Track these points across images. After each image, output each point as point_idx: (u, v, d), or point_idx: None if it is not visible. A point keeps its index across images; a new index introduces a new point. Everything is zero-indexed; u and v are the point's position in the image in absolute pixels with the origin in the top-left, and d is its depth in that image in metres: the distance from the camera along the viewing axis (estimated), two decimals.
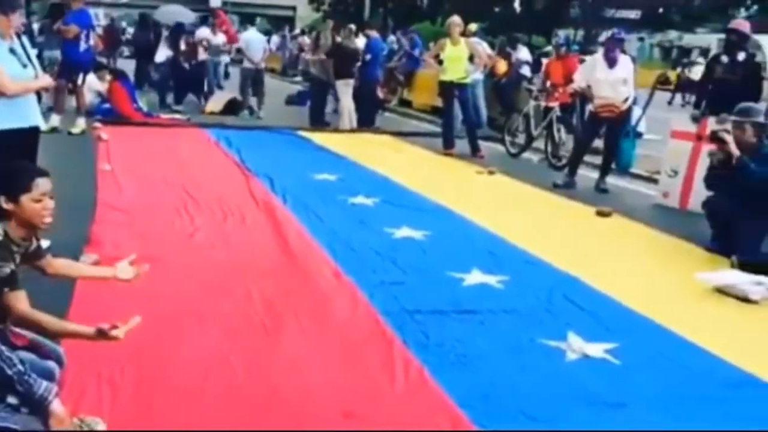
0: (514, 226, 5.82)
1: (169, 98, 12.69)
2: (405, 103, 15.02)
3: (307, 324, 3.63)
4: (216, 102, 12.55)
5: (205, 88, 13.18)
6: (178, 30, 13.23)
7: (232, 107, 12.28)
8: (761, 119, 5.66)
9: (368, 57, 11.45)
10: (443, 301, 4.06)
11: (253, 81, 12.35)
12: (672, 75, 27.67)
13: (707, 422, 2.87)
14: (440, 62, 9.74)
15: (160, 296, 3.69)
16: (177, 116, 11.45)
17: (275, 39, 23.42)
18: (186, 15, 16.49)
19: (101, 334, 2.35)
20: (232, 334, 3.46)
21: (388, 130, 11.42)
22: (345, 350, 3.36)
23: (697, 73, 24.70)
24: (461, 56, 9.41)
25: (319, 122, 11.46)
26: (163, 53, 12.82)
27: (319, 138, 10.01)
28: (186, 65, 12.79)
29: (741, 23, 7.38)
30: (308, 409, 2.82)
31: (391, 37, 18.05)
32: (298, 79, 19.53)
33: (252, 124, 11.31)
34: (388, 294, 4.10)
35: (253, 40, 12.59)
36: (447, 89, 9.61)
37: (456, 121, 9.98)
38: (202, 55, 12.96)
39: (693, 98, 24.95)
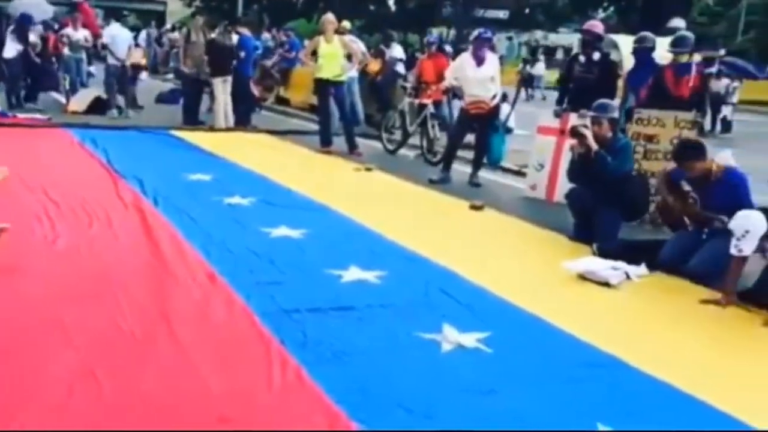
0: (391, 221, 5.91)
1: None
2: (282, 101, 14.89)
3: (179, 329, 3.51)
4: (80, 101, 11.91)
5: (68, 86, 12.47)
6: (23, 22, 12.27)
7: (97, 106, 11.70)
8: (616, 115, 6.05)
9: (242, 54, 11.24)
10: (321, 299, 4.05)
11: (119, 79, 11.81)
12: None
13: (569, 402, 3.03)
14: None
15: (19, 308, 3.48)
16: (37, 116, 10.76)
17: (144, 35, 22.49)
18: (43, 8, 15.49)
19: None
20: (99, 344, 3.29)
21: (264, 128, 11.28)
22: (220, 354, 3.29)
23: (539, 69, 26.28)
24: (336, 54, 9.42)
25: (192, 121, 11.14)
26: (12, 48, 11.91)
27: (192, 137, 9.73)
28: (38, 60, 12.01)
29: (594, 24, 7.82)
30: (181, 417, 2.74)
31: (266, 35, 17.83)
32: (170, 76, 18.89)
33: (120, 123, 10.82)
34: (265, 294, 4.04)
35: (118, 35, 12.03)
36: (323, 87, 9.60)
37: (333, 119, 10.01)
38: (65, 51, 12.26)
39: (534, 92, 26.27)
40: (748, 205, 4.63)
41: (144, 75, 13.95)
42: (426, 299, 4.19)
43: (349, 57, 9.72)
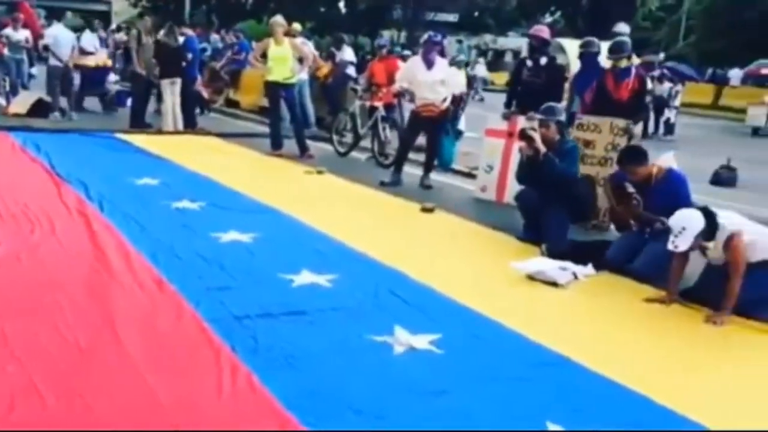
0: (343, 224, 5.90)
1: None
2: (232, 103, 14.71)
3: (126, 338, 3.44)
4: (21, 103, 11.56)
5: (8, 87, 12.10)
6: None
7: (39, 109, 11.38)
8: (563, 118, 6.17)
9: (190, 56, 11.08)
10: (272, 304, 4.02)
11: (61, 80, 11.51)
12: (490, 76, 29.49)
13: (519, 401, 3.08)
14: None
15: None
16: None
17: (88, 35, 21.93)
18: None
19: None
20: (42, 356, 3.20)
21: (214, 131, 11.12)
22: (168, 363, 3.23)
23: (480, 70, 26.74)
24: (286, 56, 9.36)
25: (140, 124, 10.92)
26: None
27: (139, 140, 9.52)
28: None
29: (540, 29, 7.94)
30: (129, 428, 2.68)
31: (215, 36, 17.63)
32: (116, 78, 18.45)
33: (64, 126, 10.53)
34: (214, 300, 3.99)
35: (61, 36, 11.72)
36: (273, 89, 9.53)
37: (284, 122, 9.96)
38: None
39: (477, 95, 26.32)
40: (688, 204, 4.77)
41: (112, 77, 13.57)
42: (377, 302, 4.20)
43: (300, 60, 9.68)
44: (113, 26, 26.82)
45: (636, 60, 7.18)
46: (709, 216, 4.31)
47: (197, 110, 12.23)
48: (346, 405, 2.94)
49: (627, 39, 7.17)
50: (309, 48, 11.03)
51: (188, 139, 10.37)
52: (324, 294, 4.28)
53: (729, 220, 4.37)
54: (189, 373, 3.16)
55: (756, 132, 18.80)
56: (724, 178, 9.55)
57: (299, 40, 10.64)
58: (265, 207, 6.37)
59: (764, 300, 4.50)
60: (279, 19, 9.57)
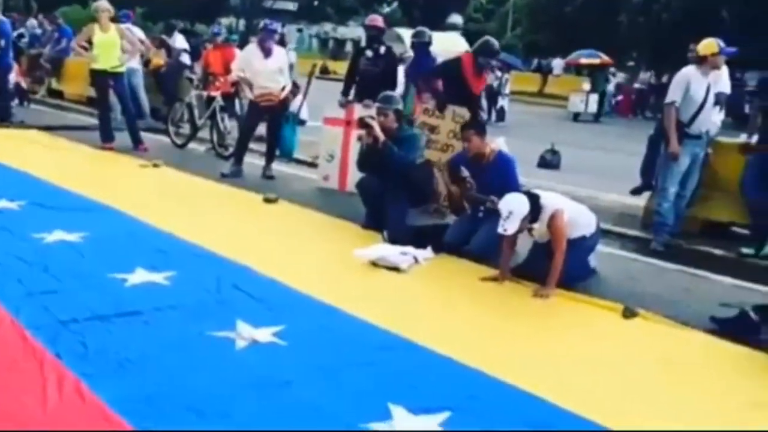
0: (181, 219, 5.69)
1: None
2: (56, 93, 13.72)
3: None
4: None
5: None
6: None
7: None
8: (400, 106, 6.31)
9: (2, 42, 10.16)
10: (104, 306, 3.79)
11: None
12: (332, 65, 29.62)
13: (363, 386, 3.12)
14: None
15: None
16: None
17: None
18: None
19: None
20: None
21: (35, 124, 10.30)
22: None
23: (291, 57, 26.95)
24: (113, 43, 8.84)
25: None
26: None
27: None
28: None
29: (374, 19, 8.07)
30: None
31: (32, 21, 16.34)
32: None
33: None
34: (37, 306, 3.70)
35: None
36: (100, 79, 8.97)
37: (115, 113, 9.42)
38: None
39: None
40: (516, 186, 5.08)
41: None
42: (219, 297, 4.09)
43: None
44: None
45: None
46: (533, 198, 4.60)
47: (16, 101, 11.28)
48: (185, 406, 2.83)
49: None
50: (137, 34, 10.48)
51: (6, 133, 9.52)
52: (161, 292, 4.11)
53: (551, 200, 4.69)
54: (9, 385, 2.90)
55: (576, 117, 20.35)
56: (549, 161, 10.24)
57: (125, 25, 10.04)
58: (95, 204, 6.00)
59: (584, 272, 4.90)
60: (104, 3, 8.98)
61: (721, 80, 6.39)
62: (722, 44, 5.95)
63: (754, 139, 5.97)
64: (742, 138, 6.16)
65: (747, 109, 12.83)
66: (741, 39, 11.23)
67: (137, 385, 2.97)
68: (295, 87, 10.63)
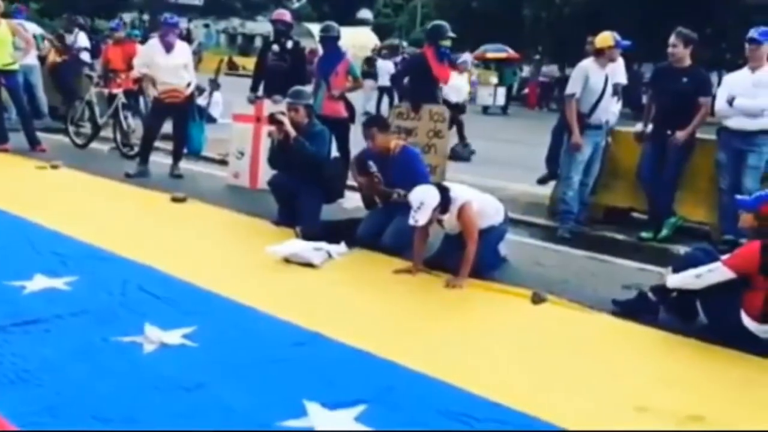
0: (83, 222, 5.48)
1: None
2: None
3: None
4: None
5: None
6: None
7: None
8: (311, 101, 6.27)
9: None
10: (0, 315, 3.60)
11: None
12: (241, 61, 29.15)
13: (276, 383, 3.09)
14: None
15: None
16: None
17: None
18: None
19: None
20: None
21: None
22: None
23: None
24: (4, 40, 8.39)
25: None
26: None
27: None
28: None
29: (282, 13, 7.96)
30: None
31: None
32: None
33: None
34: None
35: None
36: None
37: (10, 113, 8.95)
38: None
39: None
40: (423, 179, 5.14)
41: None
42: (124, 301, 3.96)
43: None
44: None
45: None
46: (443, 190, 4.66)
47: None
48: (91, 415, 2.72)
49: (445, 24, 7.27)
50: (33, 30, 9.98)
51: None
52: (62, 299, 3.93)
53: (460, 192, 4.77)
54: None
55: (486, 110, 20.80)
56: (460, 153, 10.40)
57: (17, 21, 9.53)
58: None
59: (494, 261, 5.01)
60: None
61: (618, 72, 6.66)
62: (618, 37, 6.19)
63: (649, 128, 6.25)
64: (638, 127, 6.42)
65: (644, 100, 13.44)
66: (636, 32, 11.77)
67: (37, 397, 2.83)
68: (215, 83, 10.42)
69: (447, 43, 6.89)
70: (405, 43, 28.48)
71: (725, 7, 19.63)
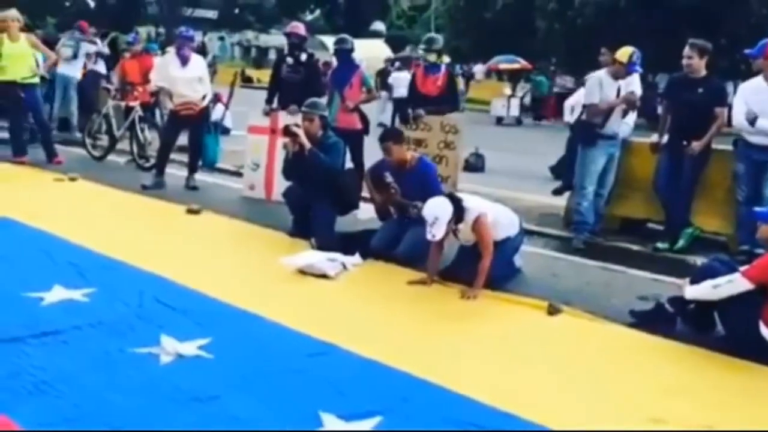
0: (101, 234, 5.52)
1: None
2: None
3: None
4: None
5: None
6: None
7: None
8: (326, 113, 6.29)
9: None
10: (18, 327, 3.64)
11: None
12: (255, 74, 29.32)
13: (291, 394, 3.09)
14: None
15: None
16: None
17: None
18: None
19: None
20: None
21: None
22: None
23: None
24: (23, 54, 8.49)
25: None
26: None
27: None
28: None
29: (296, 26, 8.00)
30: None
31: None
32: None
33: None
34: None
35: None
36: (10, 91, 8.58)
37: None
38: None
39: None
40: (438, 190, 5.15)
41: None
42: (140, 312, 3.98)
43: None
44: None
45: (446, 59, 7.42)
46: (456, 201, 4.66)
47: None
48: (107, 426, 2.74)
49: (438, 36, 7.38)
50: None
51: None
52: (80, 310, 3.96)
53: (474, 203, 4.77)
54: None
55: (500, 121, 20.79)
56: (473, 164, 10.40)
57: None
58: (7, 221, 5.74)
59: (509, 272, 5.00)
60: (13, 13, 8.62)
61: (633, 82, 6.63)
62: (635, 58, 6.03)
63: (665, 139, 6.22)
64: (653, 138, 6.39)
65: (659, 110, 13.40)
66: (649, 43, 11.73)
67: (55, 408, 2.86)
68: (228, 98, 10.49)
69: (431, 57, 7.02)
70: (418, 53, 28.48)
71: (737, 17, 19.53)
